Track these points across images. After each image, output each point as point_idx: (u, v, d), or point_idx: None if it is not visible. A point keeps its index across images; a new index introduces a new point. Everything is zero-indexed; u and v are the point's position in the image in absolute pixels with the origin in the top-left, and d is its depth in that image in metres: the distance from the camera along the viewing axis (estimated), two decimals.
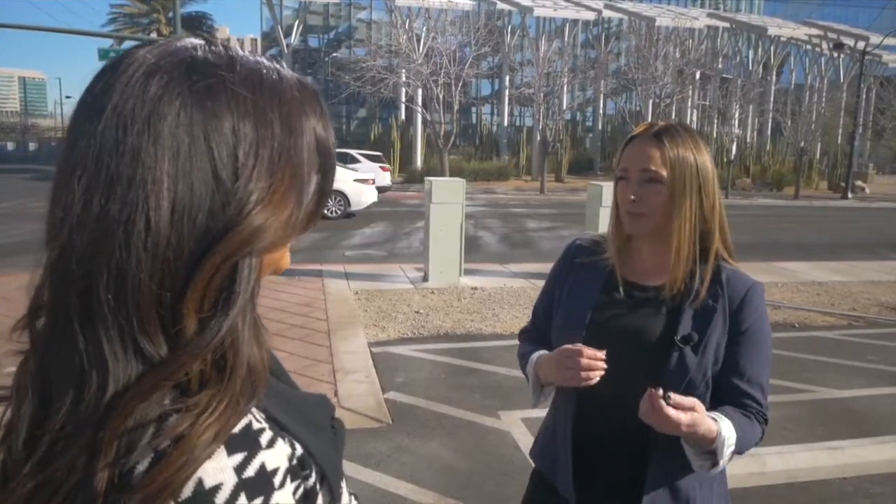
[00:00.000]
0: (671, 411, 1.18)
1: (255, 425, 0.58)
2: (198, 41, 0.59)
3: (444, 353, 5.48)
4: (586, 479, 1.41)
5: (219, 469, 0.53)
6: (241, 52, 0.60)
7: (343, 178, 15.59)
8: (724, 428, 1.25)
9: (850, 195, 28.49)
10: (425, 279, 8.13)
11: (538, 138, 31.90)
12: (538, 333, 1.57)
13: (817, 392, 4.82)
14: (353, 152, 20.00)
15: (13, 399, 0.57)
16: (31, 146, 64.84)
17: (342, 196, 15.42)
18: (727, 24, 37.65)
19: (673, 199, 1.32)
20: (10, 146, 66.35)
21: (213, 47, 0.59)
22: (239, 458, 0.55)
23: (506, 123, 35.79)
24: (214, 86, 0.55)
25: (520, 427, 4.01)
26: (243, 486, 0.54)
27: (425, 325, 6.27)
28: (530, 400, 1.53)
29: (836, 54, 35.85)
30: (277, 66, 0.61)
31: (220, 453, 0.53)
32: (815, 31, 37.92)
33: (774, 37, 37.24)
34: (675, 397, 1.19)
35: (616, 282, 1.42)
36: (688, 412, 1.19)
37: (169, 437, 0.51)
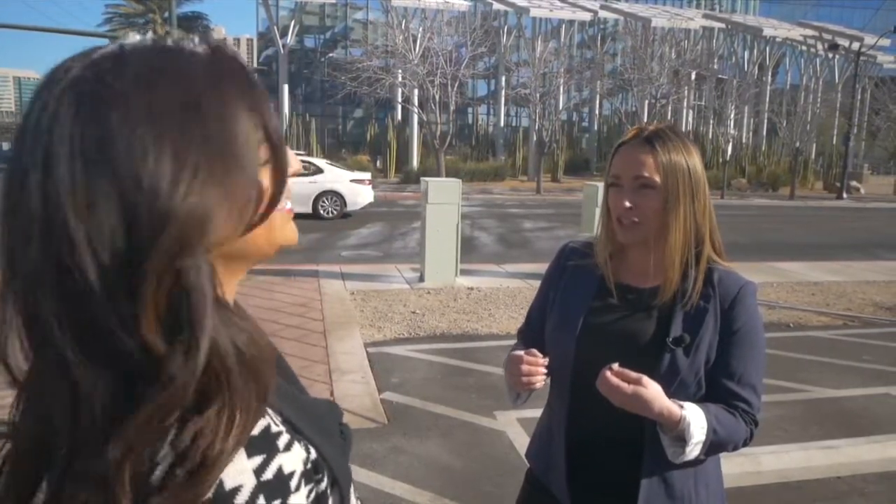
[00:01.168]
0: (612, 379, 1.23)
1: (273, 428, 0.58)
2: (106, 46, 0.56)
3: (440, 354, 5.49)
4: (581, 480, 1.41)
5: (239, 471, 0.53)
6: (138, 47, 0.55)
7: (339, 179, 15.59)
8: (689, 413, 1.26)
9: (845, 195, 28.58)
10: (421, 279, 8.13)
11: (534, 139, 31.91)
12: (532, 334, 1.57)
13: (812, 392, 4.84)
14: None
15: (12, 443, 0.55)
16: None
17: (338, 196, 15.42)
18: (723, 25, 37.74)
19: (667, 205, 1.32)
20: (6, 146, 66.21)
21: (108, 50, 0.55)
22: (258, 460, 0.55)
23: (502, 124, 35.81)
24: (101, 95, 0.51)
25: (516, 427, 4.02)
26: (262, 488, 0.54)
27: (421, 326, 6.27)
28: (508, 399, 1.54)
29: (830, 55, 35.97)
30: (185, 45, 0.57)
31: (240, 455, 0.54)
32: (810, 32, 38.04)
33: (770, 37, 37.33)
34: (618, 369, 1.25)
35: (609, 284, 1.42)
36: (632, 385, 1.23)
37: (192, 462, 0.50)
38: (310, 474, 0.60)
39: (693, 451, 1.28)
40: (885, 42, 33.36)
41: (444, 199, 7.90)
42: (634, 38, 31.41)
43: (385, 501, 3.22)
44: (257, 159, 0.57)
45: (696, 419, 1.27)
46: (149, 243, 0.49)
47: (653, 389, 1.24)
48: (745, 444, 1.37)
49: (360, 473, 3.45)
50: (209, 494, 0.52)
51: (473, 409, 4.32)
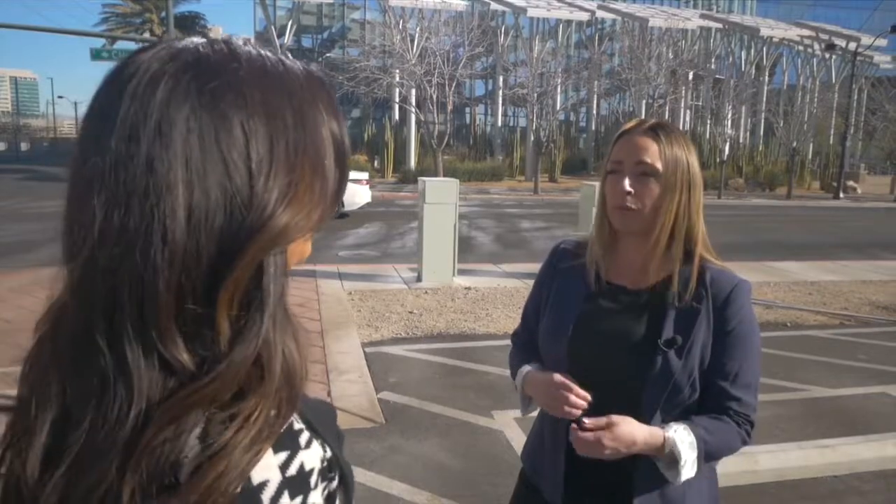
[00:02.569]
0: (586, 435, 1.24)
1: (296, 425, 0.59)
2: (199, 40, 0.58)
3: (437, 353, 5.49)
4: (574, 482, 1.41)
5: (265, 467, 0.54)
6: (243, 47, 0.58)
7: None
8: (673, 433, 1.27)
9: (841, 195, 28.64)
10: (419, 279, 8.13)
11: (532, 139, 31.89)
12: (528, 336, 1.56)
13: (809, 391, 4.85)
14: None
15: (22, 413, 0.56)
16: (23, 146, 64.47)
17: None
18: (720, 25, 37.78)
19: (664, 194, 1.31)
20: (2, 146, 65.94)
21: (215, 45, 0.57)
22: (283, 456, 0.56)
23: (499, 124, 35.81)
24: (221, 86, 0.54)
25: (513, 427, 4.02)
26: (287, 484, 0.55)
27: (419, 325, 6.27)
28: (521, 409, 1.55)
29: (827, 55, 36.02)
30: (283, 58, 0.60)
31: (268, 451, 0.55)
32: (806, 32, 38.10)
33: (767, 38, 37.39)
34: (587, 421, 1.25)
35: (601, 284, 1.41)
36: (607, 430, 1.24)
37: (214, 448, 0.51)
38: (325, 472, 0.61)
39: (688, 469, 1.28)
40: (882, 42, 33.47)
41: (442, 198, 7.90)
42: (632, 38, 31.49)
43: (382, 501, 3.22)
44: (335, 175, 0.61)
45: (681, 437, 1.27)
46: (247, 232, 0.52)
47: (626, 422, 1.26)
48: (743, 444, 1.36)
49: (357, 473, 3.42)
50: (236, 488, 0.52)
51: (471, 408, 4.32)
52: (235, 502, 0.52)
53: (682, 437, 1.27)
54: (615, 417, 1.26)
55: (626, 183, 1.31)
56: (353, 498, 0.69)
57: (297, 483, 0.56)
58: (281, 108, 0.56)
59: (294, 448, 0.57)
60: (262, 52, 0.59)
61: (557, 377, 1.31)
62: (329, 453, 0.62)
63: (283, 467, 0.56)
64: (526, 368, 1.46)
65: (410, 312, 6.73)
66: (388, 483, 3.37)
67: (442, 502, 3.23)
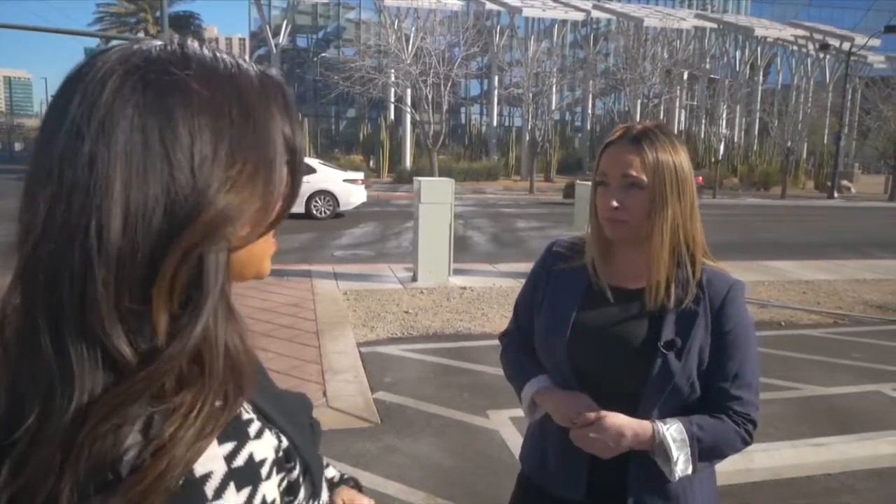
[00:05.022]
0: (578, 431, 1.30)
1: (244, 416, 0.58)
2: (155, 42, 0.59)
3: (433, 353, 5.48)
4: (575, 480, 1.41)
5: (209, 458, 0.53)
6: (198, 50, 0.59)
7: (332, 179, 15.56)
8: (661, 424, 1.29)
9: (836, 194, 28.76)
10: (414, 279, 8.13)
11: (527, 138, 31.92)
12: (522, 336, 1.55)
13: (803, 389, 4.86)
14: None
15: None
16: (17, 146, 64.16)
17: (331, 196, 15.39)
18: (714, 25, 37.90)
19: (654, 203, 1.31)
20: None
21: (168, 47, 0.58)
22: (229, 447, 0.55)
23: (495, 123, 35.85)
24: (167, 84, 0.55)
25: (509, 426, 4.02)
26: (232, 475, 0.54)
27: (414, 325, 6.27)
28: (526, 417, 1.54)
29: (821, 55, 36.18)
30: (239, 60, 0.61)
31: (211, 443, 0.54)
32: (801, 32, 38.25)
33: (761, 37, 37.53)
34: (578, 418, 1.32)
35: (598, 286, 1.41)
36: (594, 424, 1.29)
37: (156, 442, 0.51)
38: (281, 462, 0.60)
39: (682, 466, 1.29)
40: (876, 42, 33.62)
41: (437, 198, 7.90)
42: (627, 38, 31.54)
43: (378, 501, 3.21)
44: (283, 176, 0.61)
45: (672, 432, 1.28)
46: (183, 224, 0.53)
47: (612, 415, 1.30)
48: (745, 444, 1.36)
49: (352, 473, 3.42)
50: (179, 481, 0.52)
51: (466, 408, 4.32)
52: (177, 495, 0.51)
53: (672, 433, 1.28)
54: (603, 412, 1.29)
55: (612, 198, 1.33)
56: (321, 490, 0.69)
57: (245, 474, 0.55)
58: (228, 107, 0.57)
59: (241, 438, 0.57)
60: (218, 54, 0.60)
61: (579, 397, 1.35)
62: (286, 443, 0.61)
63: (229, 458, 0.55)
64: (538, 384, 1.44)
65: (406, 312, 6.73)
66: (384, 483, 3.37)
67: (438, 502, 3.23)
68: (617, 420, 1.28)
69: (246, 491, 0.55)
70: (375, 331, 6.08)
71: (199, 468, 0.53)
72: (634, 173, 1.31)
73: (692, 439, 1.29)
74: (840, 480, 3.56)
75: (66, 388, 0.51)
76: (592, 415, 1.29)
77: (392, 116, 32.84)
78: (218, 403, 0.55)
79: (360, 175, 16.69)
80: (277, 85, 0.62)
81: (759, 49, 38.19)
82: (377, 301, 7.16)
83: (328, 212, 15.40)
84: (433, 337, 5.98)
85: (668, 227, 1.32)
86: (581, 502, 1.40)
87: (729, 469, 3.49)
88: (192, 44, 0.60)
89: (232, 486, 0.54)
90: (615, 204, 1.32)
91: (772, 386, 4.82)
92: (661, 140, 1.33)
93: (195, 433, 0.52)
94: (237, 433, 0.56)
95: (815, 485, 3.52)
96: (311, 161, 16.58)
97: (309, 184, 15.11)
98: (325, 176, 15.56)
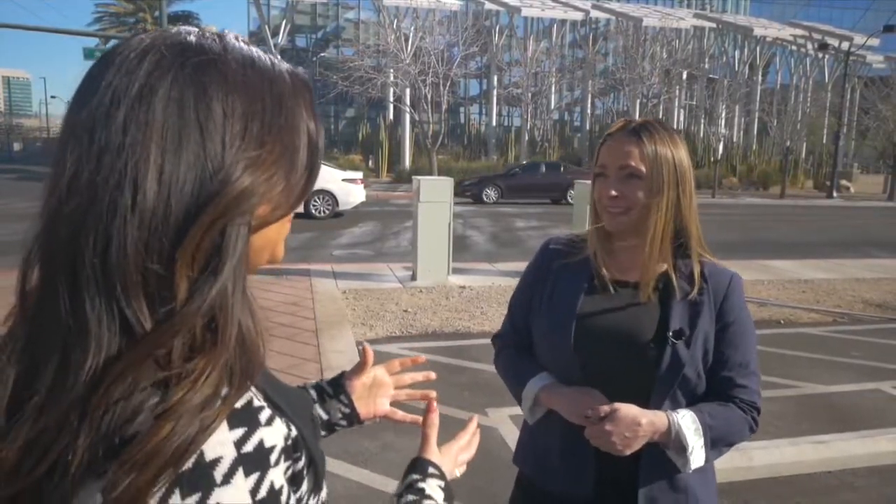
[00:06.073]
0: (594, 427, 1.28)
1: (256, 403, 0.59)
2: (193, 29, 0.62)
3: (431, 352, 5.47)
4: (581, 476, 1.40)
5: (220, 442, 0.54)
6: (234, 41, 0.62)
7: (331, 178, 15.56)
8: (675, 414, 1.29)
9: (835, 194, 28.76)
10: (413, 278, 8.12)
11: (526, 138, 31.94)
12: (518, 338, 1.53)
13: (803, 387, 4.86)
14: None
15: None
16: (16, 146, 64.11)
17: (330, 196, 15.38)
18: (713, 25, 37.91)
19: (651, 194, 1.32)
20: None
21: (206, 34, 0.61)
22: (239, 432, 0.55)
23: (494, 123, 35.83)
24: (205, 63, 0.57)
25: (508, 424, 4.01)
26: (242, 460, 0.54)
27: (413, 324, 6.26)
28: (527, 418, 1.52)
29: (820, 55, 36.20)
30: (271, 56, 0.64)
31: (222, 427, 0.54)
32: (800, 32, 38.27)
33: (760, 37, 37.53)
34: (589, 413, 1.29)
35: (599, 280, 1.41)
36: (608, 418, 1.27)
37: (164, 406, 0.52)
38: (289, 451, 0.60)
39: (697, 456, 1.29)
40: (875, 42, 33.62)
41: (436, 197, 7.89)
42: (626, 38, 31.56)
43: (377, 498, 3.21)
44: (305, 164, 0.63)
45: (687, 422, 1.29)
46: (213, 194, 0.55)
47: (626, 406, 1.28)
48: (752, 431, 1.37)
49: (351, 471, 3.44)
50: (189, 465, 0.52)
51: (465, 406, 4.31)
52: (186, 477, 0.52)
53: (687, 423, 1.29)
54: (616, 404, 1.28)
55: (611, 188, 1.34)
56: (323, 483, 0.69)
57: (255, 460, 0.55)
58: (261, 92, 0.60)
59: (252, 425, 0.57)
60: (253, 47, 0.63)
61: (605, 409, 1.29)
62: (294, 433, 0.62)
63: (239, 443, 0.55)
64: (546, 380, 1.42)
65: (405, 311, 6.72)
66: (383, 480, 3.36)
67: None
68: (632, 410, 1.27)
69: (254, 476, 0.55)
70: (374, 329, 6.07)
71: (210, 452, 0.53)
72: (633, 164, 1.32)
73: (705, 427, 1.30)
74: (840, 478, 3.56)
75: (81, 347, 0.52)
76: (606, 407, 1.27)
77: (391, 116, 32.83)
78: (225, 383, 0.55)
79: (358, 175, 16.69)
80: (305, 83, 0.66)
81: (758, 49, 38.21)
82: (376, 300, 7.15)
83: (327, 211, 15.40)
84: (432, 335, 5.97)
85: (665, 217, 1.33)
86: (588, 499, 1.38)
87: (728, 466, 3.49)
88: (230, 36, 0.63)
89: (241, 470, 0.54)
90: (613, 193, 1.33)
91: (771, 384, 4.82)
92: (660, 133, 1.34)
93: (200, 405, 0.53)
94: (248, 419, 0.57)
95: (814, 482, 3.51)
96: None
97: None
98: (323, 175, 15.52)
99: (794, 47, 39.86)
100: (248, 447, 0.55)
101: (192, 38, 0.59)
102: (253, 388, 0.60)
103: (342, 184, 15.58)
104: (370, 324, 6.23)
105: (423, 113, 24.85)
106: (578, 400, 1.34)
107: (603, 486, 1.38)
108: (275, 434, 0.58)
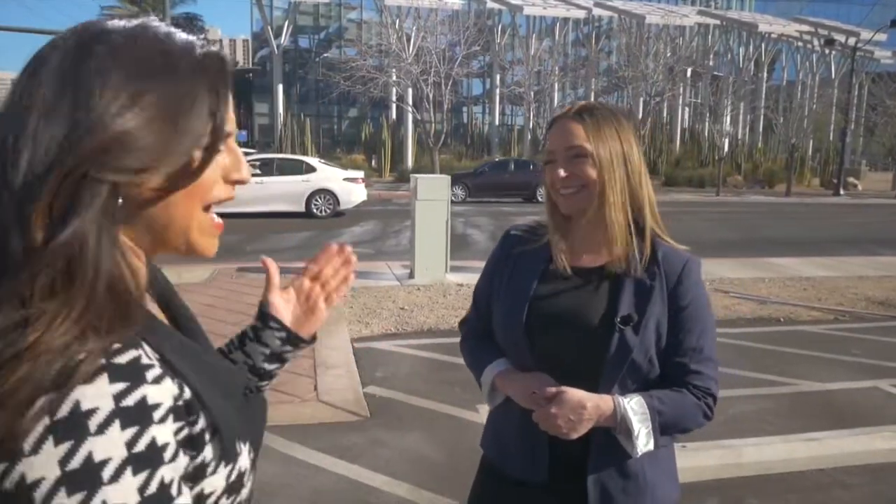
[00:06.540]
0: (540, 411, 1.28)
1: (144, 360, 0.59)
2: (121, 17, 0.65)
3: (426, 349, 5.46)
4: (535, 462, 1.40)
5: (98, 395, 0.54)
6: (154, 23, 0.65)
7: (332, 177, 15.58)
8: (622, 399, 1.29)
9: (841, 192, 28.59)
10: (411, 276, 8.10)
11: (529, 137, 31.90)
12: (481, 324, 1.55)
13: (799, 385, 4.81)
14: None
15: None
16: None
17: (331, 195, 15.40)
18: (717, 22, 37.76)
19: (601, 172, 1.32)
20: None
21: (128, 21, 0.65)
22: (120, 386, 0.56)
23: (497, 122, 35.82)
24: (96, 35, 0.61)
25: None
26: (119, 413, 0.55)
27: (409, 322, 6.25)
28: (487, 403, 1.54)
29: (827, 51, 36.02)
30: (192, 37, 0.66)
31: (102, 380, 0.55)
32: (805, 28, 38.07)
33: (765, 34, 37.38)
34: (534, 395, 1.31)
35: (555, 267, 1.41)
36: (554, 401, 1.27)
37: (20, 345, 0.53)
38: (180, 412, 0.60)
39: (643, 440, 1.29)
40: (882, 37, 33.45)
41: (434, 195, 7.87)
42: (629, 36, 31.46)
43: (363, 492, 3.19)
44: (199, 135, 0.63)
45: (633, 407, 1.28)
46: (75, 144, 0.57)
47: (571, 390, 1.28)
48: (707, 419, 1.36)
49: (339, 466, 3.42)
50: (65, 413, 0.53)
51: (456, 402, 4.29)
52: (59, 424, 0.52)
53: (633, 408, 1.28)
54: (562, 387, 1.28)
55: (560, 170, 1.34)
56: (235, 455, 0.67)
57: (133, 414, 0.56)
58: (151, 60, 0.62)
59: (136, 381, 0.57)
60: (174, 28, 0.66)
61: (551, 391, 1.30)
62: (188, 395, 0.62)
63: (119, 397, 0.55)
64: (497, 368, 1.45)
65: (402, 309, 6.71)
66: (369, 475, 3.35)
67: (421, 493, 3.20)
68: (577, 394, 1.27)
69: (132, 430, 0.55)
70: (370, 327, 6.06)
71: (86, 403, 0.54)
72: (577, 143, 1.33)
73: (653, 412, 1.29)
74: (832, 475, 3.51)
75: None
76: (552, 389, 1.28)
77: (394, 116, 32.86)
78: (84, 320, 0.55)
79: (359, 174, 16.71)
80: (222, 62, 0.67)
81: (763, 45, 38.05)
82: (373, 297, 7.14)
83: (328, 210, 15.41)
84: (427, 333, 5.95)
85: (619, 196, 1.33)
86: (542, 484, 1.39)
87: (718, 463, 3.46)
88: (153, 19, 0.66)
89: (117, 422, 0.55)
90: (563, 173, 1.34)
91: (767, 381, 4.78)
92: (603, 112, 1.37)
93: (61, 345, 0.53)
94: (132, 375, 0.57)
95: (806, 480, 3.47)
96: (311, 160, 16.64)
97: (309, 182, 15.21)
98: (325, 175, 15.58)
99: (799, 43, 39.64)
100: (129, 401, 0.56)
101: (104, 23, 0.63)
102: (147, 348, 0.60)
103: (343, 183, 15.60)
104: (366, 321, 6.22)
105: (426, 112, 24.85)
106: (527, 384, 1.35)
107: (556, 470, 1.38)
108: (161, 392, 0.59)
